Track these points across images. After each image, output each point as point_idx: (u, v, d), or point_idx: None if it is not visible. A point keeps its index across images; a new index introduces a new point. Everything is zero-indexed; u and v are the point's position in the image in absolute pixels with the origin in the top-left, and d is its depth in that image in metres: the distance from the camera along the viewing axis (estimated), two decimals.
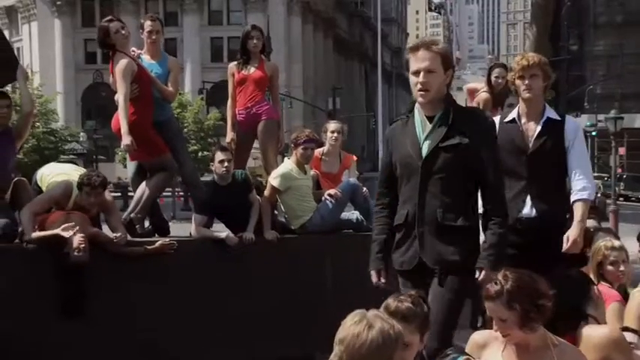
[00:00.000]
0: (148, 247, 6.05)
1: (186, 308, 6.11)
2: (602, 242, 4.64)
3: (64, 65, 55.77)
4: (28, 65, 44.42)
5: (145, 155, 6.50)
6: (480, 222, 3.96)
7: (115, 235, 5.94)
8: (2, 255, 5.73)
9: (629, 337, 3.96)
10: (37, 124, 37.49)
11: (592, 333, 3.67)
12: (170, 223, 7.07)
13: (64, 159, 36.60)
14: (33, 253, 5.68)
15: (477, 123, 3.96)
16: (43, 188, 6.21)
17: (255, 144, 7.40)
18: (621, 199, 34.18)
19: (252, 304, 6.24)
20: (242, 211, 6.37)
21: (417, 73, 3.87)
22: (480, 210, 3.98)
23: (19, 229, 5.87)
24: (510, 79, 4.75)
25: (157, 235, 6.54)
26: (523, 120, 4.66)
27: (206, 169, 24.93)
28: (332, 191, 6.61)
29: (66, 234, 5.51)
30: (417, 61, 3.87)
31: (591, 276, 4.50)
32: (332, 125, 7.32)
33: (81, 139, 46.55)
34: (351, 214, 6.80)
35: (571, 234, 4.41)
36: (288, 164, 6.69)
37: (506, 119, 4.72)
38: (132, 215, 6.49)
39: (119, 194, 23.69)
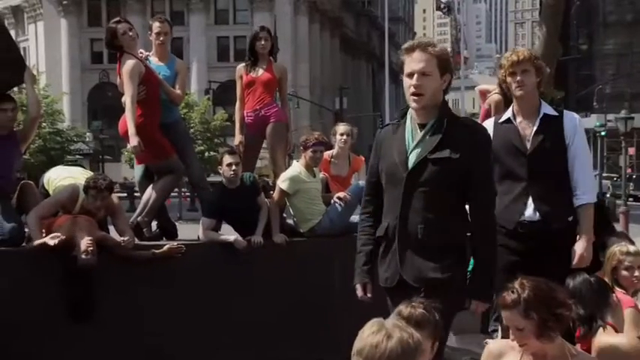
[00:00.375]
0: (156, 251, 6.00)
1: (194, 312, 6.06)
2: (617, 247, 4.56)
3: (70, 65, 55.82)
4: (34, 65, 44.55)
5: (151, 158, 6.46)
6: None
7: (122, 238, 5.90)
8: (9, 259, 5.70)
9: None
10: (44, 124, 37.48)
11: (609, 341, 3.60)
12: (177, 224, 7.03)
13: (70, 159, 36.74)
14: (40, 256, 5.63)
15: (471, 136, 3.64)
16: (50, 192, 6.19)
17: (264, 146, 7.36)
18: (631, 199, 33.93)
19: (260, 307, 6.19)
20: (250, 214, 6.31)
21: (410, 75, 3.59)
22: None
23: (26, 233, 5.83)
24: (501, 77, 4.51)
25: (164, 239, 6.51)
26: (518, 119, 4.46)
27: (213, 169, 24.85)
28: (341, 194, 6.54)
29: (51, 242, 5.46)
30: (412, 63, 3.59)
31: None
32: (341, 128, 7.27)
33: (87, 139, 46.66)
34: None
35: (578, 248, 4.27)
36: (296, 167, 6.62)
37: (501, 120, 4.53)
38: (139, 219, 6.46)
39: (125, 195, 23.75)
